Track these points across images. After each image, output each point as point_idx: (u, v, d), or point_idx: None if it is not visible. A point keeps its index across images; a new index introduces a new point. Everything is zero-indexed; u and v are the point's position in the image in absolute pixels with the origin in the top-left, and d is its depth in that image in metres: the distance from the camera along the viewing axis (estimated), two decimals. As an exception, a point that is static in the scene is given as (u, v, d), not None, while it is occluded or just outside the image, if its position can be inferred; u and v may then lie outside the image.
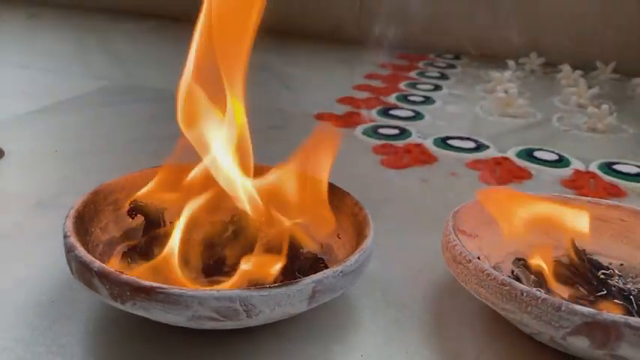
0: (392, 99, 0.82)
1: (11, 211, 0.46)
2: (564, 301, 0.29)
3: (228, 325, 0.30)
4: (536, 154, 0.64)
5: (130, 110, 0.72)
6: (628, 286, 0.38)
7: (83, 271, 0.30)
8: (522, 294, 0.30)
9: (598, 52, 1.01)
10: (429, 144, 0.65)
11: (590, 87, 0.86)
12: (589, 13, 1.02)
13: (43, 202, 0.48)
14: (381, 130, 0.68)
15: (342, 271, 0.31)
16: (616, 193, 0.56)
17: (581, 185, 0.57)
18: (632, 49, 1.01)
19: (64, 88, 0.79)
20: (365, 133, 0.68)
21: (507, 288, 0.31)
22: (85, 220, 0.36)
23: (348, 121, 0.72)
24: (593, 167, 0.62)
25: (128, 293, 0.29)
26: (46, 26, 1.17)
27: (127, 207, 0.38)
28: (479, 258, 0.36)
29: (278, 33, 1.14)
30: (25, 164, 0.55)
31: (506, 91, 0.80)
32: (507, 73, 0.89)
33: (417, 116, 0.75)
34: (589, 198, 0.43)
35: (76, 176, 0.53)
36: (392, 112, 0.76)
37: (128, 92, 0.78)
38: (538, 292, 0.30)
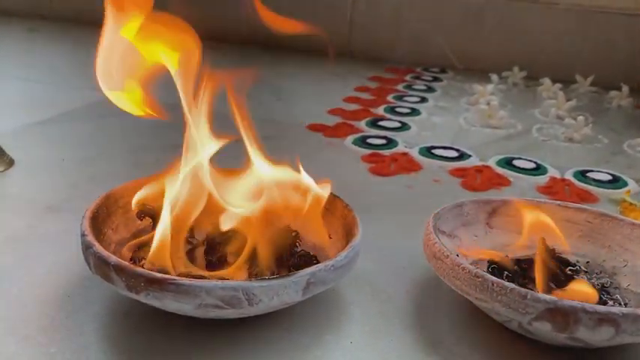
0: (380, 111, 0.86)
1: (24, 214, 0.50)
2: (529, 290, 0.33)
3: (232, 313, 0.33)
4: (515, 162, 0.68)
5: (131, 121, 0.75)
6: (592, 281, 0.42)
7: (101, 266, 0.34)
8: (493, 284, 0.34)
9: (578, 66, 1.06)
10: (414, 153, 0.69)
11: (569, 99, 0.90)
12: (569, 29, 1.07)
13: (53, 206, 0.51)
14: (370, 140, 0.72)
15: (333, 265, 0.35)
16: (588, 198, 0.60)
17: (556, 191, 0.61)
18: (610, 63, 1.05)
19: (66, 100, 0.82)
20: (354, 142, 0.72)
21: (480, 280, 0.34)
22: (98, 222, 0.39)
23: (339, 131, 0.75)
24: (569, 175, 0.66)
25: (142, 284, 0.32)
26: (45, 40, 1.21)
27: (135, 210, 0.41)
28: (457, 256, 0.40)
29: (271, 47, 1.18)
30: (34, 172, 0.58)
31: (488, 104, 0.85)
32: (490, 86, 0.94)
33: (404, 127, 0.79)
34: (559, 202, 0.47)
35: (83, 183, 0.56)
36: (380, 123, 0.80)
37: (128, 104, 0.81)
38: (507, 283, 0.34)
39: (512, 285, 0.34)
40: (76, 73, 0.98)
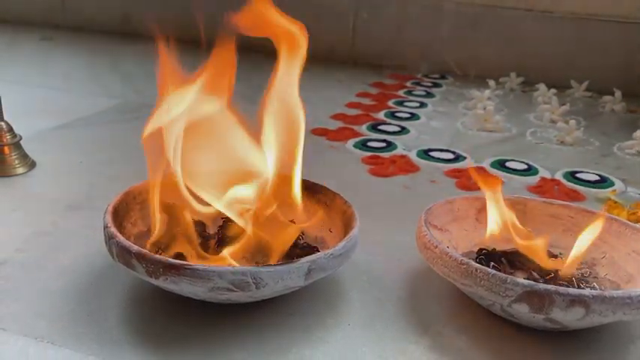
0: (381, 115, 0.90)
1: (48, 212, 0.53)
2: (509, 275, 0.37)
3: (241, 296, 0.37)
4: (508, 164, 0.72)
5: (143, 126, 0.79)
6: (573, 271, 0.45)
7: (123, 254, 0.37)
8: (477, 270, 0.38)
9: (573, 72, 1.10)
10: (412, 155, 0.73)
11: (563, 104, 0.94)
12: (564, 36, 1.11)
13: (74, 204, 0.55)
14: (370, 143, 0.76)
15: (332, 254, 0.38)
16: (576, 197, 0.64)
17: (545, 191, 0.65)
18: (604, 69, 1.09)
19: (82, 106, 0.86)
20: (355, 145, 0.75)
21: (465, 266, 0.38)
22: (119, 216, 0.43)
23: (341, 135, 0.79)
24: (559, 175, 0.69)
25: (161, 270, 0.36)
26: (59, 48, 1.25)
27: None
28: (448, 247, 0.44)
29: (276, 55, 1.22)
30: (55, 173, 0.62)
31: (484, 108, 0.88)
32: (487, 92, 0.97)
33: (403, 131, 0.82)
34: (544, 198, 0.51)
35: (100, 183, 0.60)
36: (380, 127, 0.84)
37: (141, 109, 0.85)
38: (488, 269, 0.37)
39: (493, 270, 0.37)
40: (89, 80, 1.03)
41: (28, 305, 0.40)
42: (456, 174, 0.68)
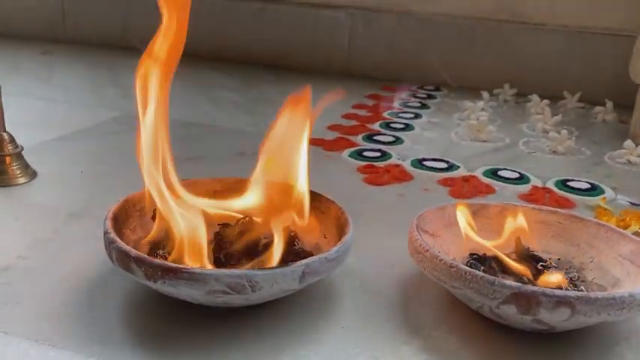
0: (376, 126, 0.91)
1: (49, 220, 0.55)
2: (496, 278, 0.38)
3: (237, 299, 0.38)
4: (501, 173, 0.73)
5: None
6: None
7: (123, 258, 0.39)
8: (466, 273, 0.39)
9: (565, 84, 1.11)
10: (406, 165, 0.74)
11: (555, 115, 0.95)
12: (556, 49, 1.13)
13: (75, 213, 0.57)
14: (365, 153, 0.77)
15: (326, 258, 0.40)
16: (566, 205, 0.65)
17: (536, 199, 0.66)
18: (595, 80, 1.11)
19: (82, 118, 0.87)
20: (351, 155, 0.77)
21: (454, 269, 0.39)
22: (118, 222, 0.44)
23: (337, 145, 0.81)
24: (550, 184, 0.71)
25: (159, 273, 0.37)
26: (59, 62, 1.27)
27: (151, 213, 0.46)
28: (439, 252, 0.45)
29: (275, 67, 1.24)
30: (56, 183, 0.64)
31: (478, 119, 0.90)
32: (481, 103, 0.99)
33: (398, 141, 0.84)
34: (533, 205, 0.52)
35: (100, 193, 0.62)
36: (375, 137, 0.85)
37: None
38: (477, 272, 0.39)
39: (481, 273, 0.38)
40: (89, 92, 1.04)
41: (30, 309, 0.41)
42: (449, 182, 0.69)
